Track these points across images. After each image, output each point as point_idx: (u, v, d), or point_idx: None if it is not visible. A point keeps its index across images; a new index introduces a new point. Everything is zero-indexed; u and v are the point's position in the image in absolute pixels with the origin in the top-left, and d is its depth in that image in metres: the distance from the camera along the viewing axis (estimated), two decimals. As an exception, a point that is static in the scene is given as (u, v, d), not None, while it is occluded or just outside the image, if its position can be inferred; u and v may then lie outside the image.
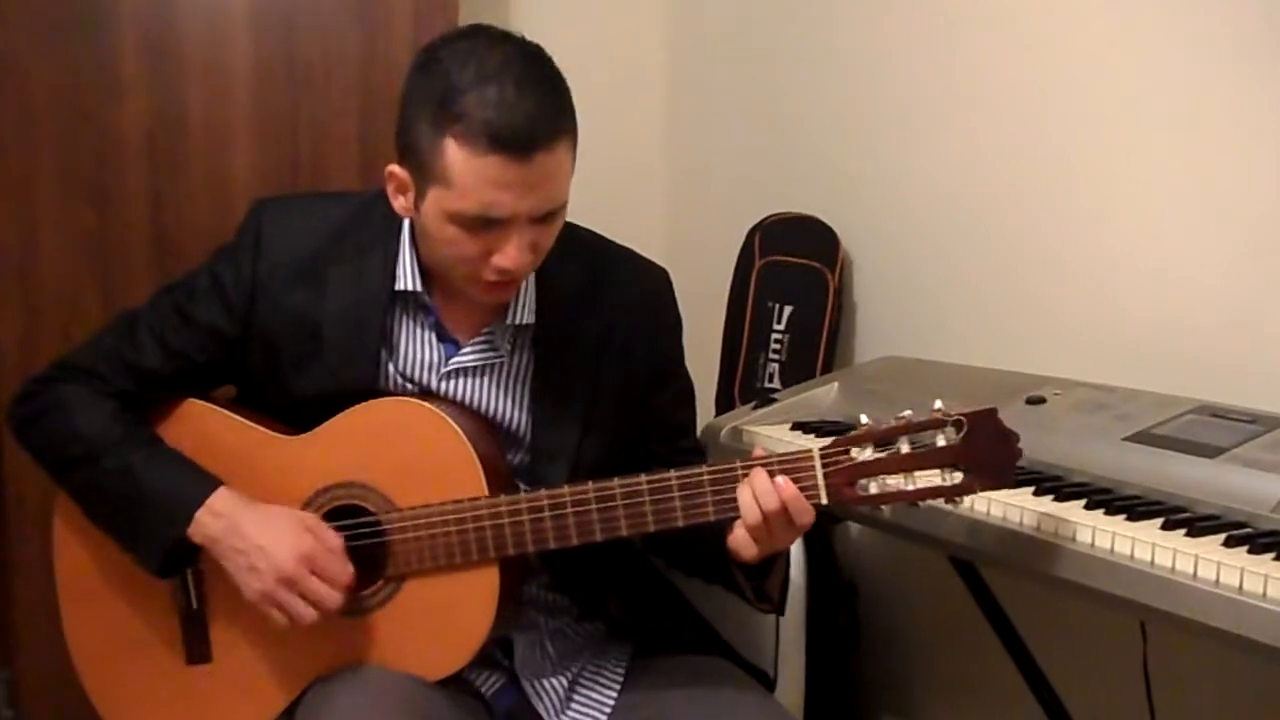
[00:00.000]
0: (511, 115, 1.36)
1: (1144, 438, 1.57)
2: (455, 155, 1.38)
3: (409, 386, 1.58)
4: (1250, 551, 1.26)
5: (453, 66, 1.39)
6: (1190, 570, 1.27)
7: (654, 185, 3.09)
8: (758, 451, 1.44)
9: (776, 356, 2.48)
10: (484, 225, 1.41)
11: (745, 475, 1.41)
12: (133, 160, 2.54)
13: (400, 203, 1.49)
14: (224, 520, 1.50)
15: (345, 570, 1.48)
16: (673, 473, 1.45)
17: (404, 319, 1.58)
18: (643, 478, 1.45)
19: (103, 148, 2.52)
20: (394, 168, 1.47)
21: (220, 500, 1.51)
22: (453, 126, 1.38)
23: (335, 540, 1.49)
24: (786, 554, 1.56)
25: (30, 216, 2.50)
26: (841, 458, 1.39)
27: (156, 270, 2.52)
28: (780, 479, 1.39)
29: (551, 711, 1.58)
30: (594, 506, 1.46)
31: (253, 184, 2.56)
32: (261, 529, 1.48)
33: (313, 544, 1.47)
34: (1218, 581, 1.24)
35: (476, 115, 1.36)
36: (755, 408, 2.02)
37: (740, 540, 1.42)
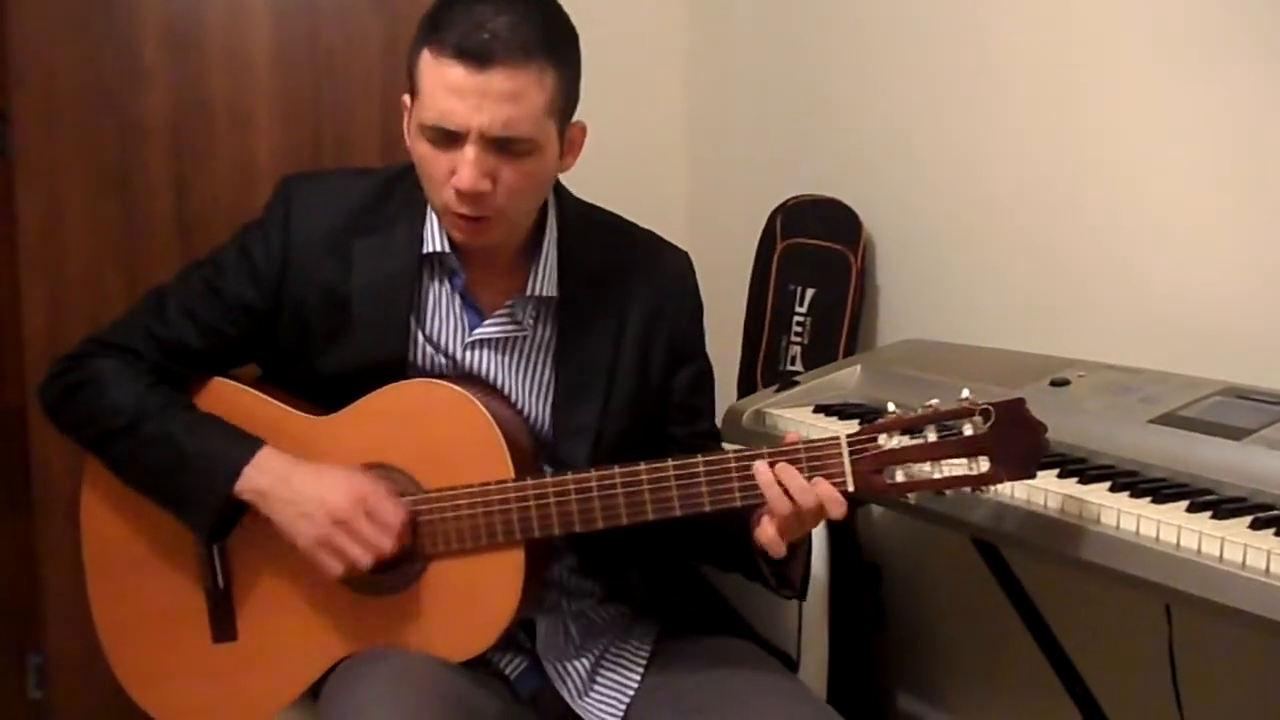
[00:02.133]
0: (478, 28, 1.40)
1: (1170, 420, 1.56)
2: (425, 62, 1.44)
3: (436, 356, 1.58)
4: (1277, 534, 1.26)
5: None
6: (1216, 553, 1.26)
7: (675, 168, 3.08)
8: (791, 436, 1.44)
9: (799, 339, 2.48)
10: (444, 140, 1.44)
11: (772, 462, 1.41)
12: (155, 147, 2.56)
13: (408, 134, 1.52)
14: (273, 474, 1.51)
15: (399, 514, 1.49)
16: (699, 457, 1.44)
17: (432, 284, 1.59)
18: (669, 462, 1.45)
19: (125, 135, 2.53)
20: (404, 96, 1.51)
21: (267, 457, 1.52)
22: (429, 37, 1.43)
23: (386, 488, 1.50)
24: (808, 540, 1.56)
25: (55, 205, 2.52)
26: (869, 445, 1.39)
27: (181, 256, 2.53)
28: (816, 478, 1.39)
29: (575, 694, 1.59)
30: (619, 491, 1.46)
31: (275, 170, 2.56)
32: (312, 480, 1.50)
33: (366, 487, 1.49)
34: (1244, 564, 1.23)
35: (451, 27, 1.41)
36: (778, 390, 2.02)
37: (767, 534, 1.42)
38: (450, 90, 1.41)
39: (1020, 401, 1.37)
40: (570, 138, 1.53)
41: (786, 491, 1.39)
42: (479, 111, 1.41)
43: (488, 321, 1.59)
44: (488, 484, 1.49)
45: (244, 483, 1.51)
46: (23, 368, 2.49)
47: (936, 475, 1.38)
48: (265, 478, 1.51)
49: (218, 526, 1.55)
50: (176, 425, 1.54)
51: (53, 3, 2.47)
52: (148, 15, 2.52)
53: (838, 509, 1.39)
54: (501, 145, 1.43)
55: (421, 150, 1.47)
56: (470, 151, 1.43)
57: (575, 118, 1.53)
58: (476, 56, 1.39)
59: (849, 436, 1.40)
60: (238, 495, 1.52)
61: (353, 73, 2.64)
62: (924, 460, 1.38)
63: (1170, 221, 1.92)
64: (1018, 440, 1.36)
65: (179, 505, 1.56)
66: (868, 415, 1.80)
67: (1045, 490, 1.45)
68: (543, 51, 1.43)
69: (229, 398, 1.60)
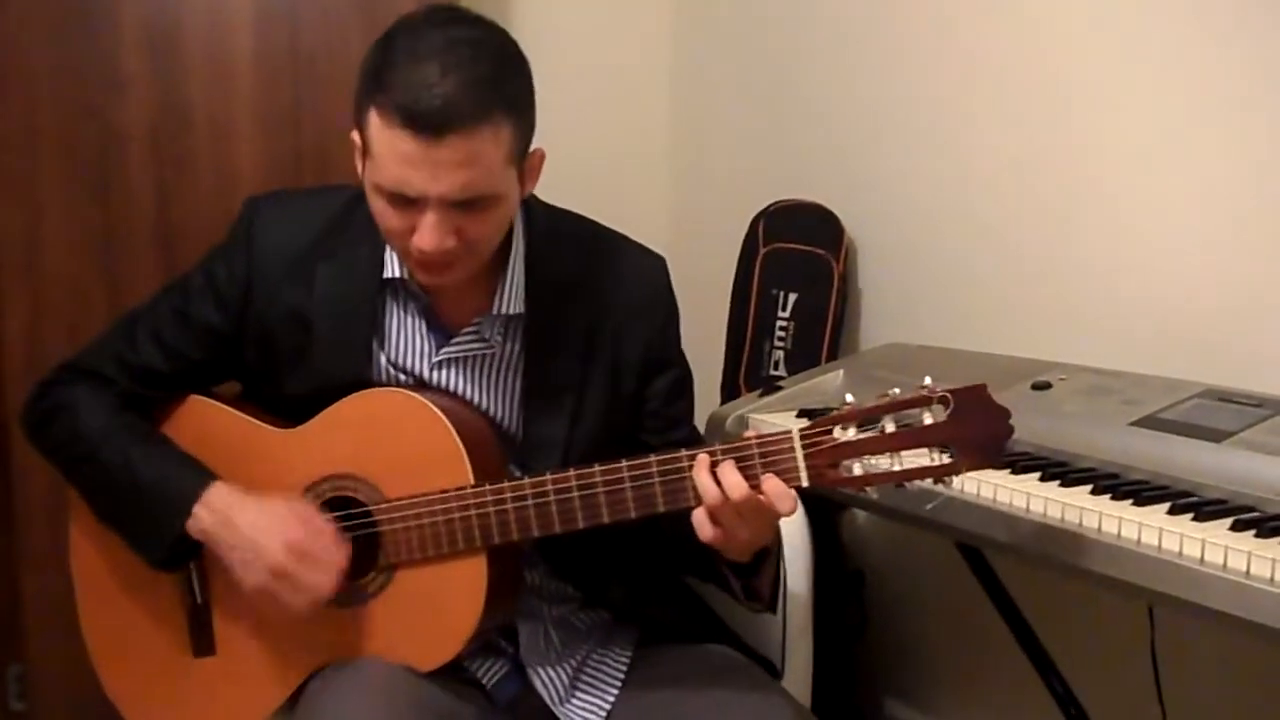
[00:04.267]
0: (427, 95, 1.35)
1: (1150, 422, 1.57)
2: (375, 126, 1.39)
3: (400, 377, 1.58)
4: (1257, 535, 1.26)
5: (397, 40, 1.40)
6: (1197, 555, 1.27)
7: (657, 173, 3.09)
8: (748, 433, 1.41)
9: (782, 344, 2.48)
10: (401, 201, 1.41)
11: (723, 460, 1.38)
12: (136, 155, 2.54)
13: (360, 169, 1.49)
14: (218, 515, 1.51)
15: (338, 556, 1.48)
16: (652, 457, 1.43)
17: (394, 307, 1.58)
18: (624, 463, 1.44)
19: (106, 143, 2.52)
20: (354, 134, 1.48)
21: (215, 495, 1.52)
22: (377, 97, 1.39)
23: (326, 526, 1.50)
24: (779, 552, 1.54)
25: (35, 213, 2.50)
26: (823, 439, 1.35)
27: (162, 265, 2.52)
28: (766, 474, 1.35)
29: (555, 700, 1.58)
30: (575, 493, 1.45)
31: (257, 178, 2.55)
32: (253, 522, 1.49)
33: (302, 533, 1.48)
34: (1225, 566, 1.24)
35: (397, 89, 1.36)
36: (761, 395, 2.02)
37: (696, 517, 1.38)
38: (404, 161, 1.37)
39: (982, 387, 1.32)
40: (529, 167, 1.49)
41: (718, 483, 1.36)
42: (436, 181, 1.38)
43: (454, 341, 1.58)
44: (447, 491, 1.49)
45: (193, 523, 1.52)
46: (3, 379, 2.47)
47: (896, 468, 1.33)
48: (211, 518, 1.51)
49: (172, 559, 1.56)
50: (133, 453, 1.55)
51: (31, 10, 2.46)
52: (128, 22, 2.51)
53: (787, 504, 1.35)
54: (462, 205, 1.41)
55: (378, 205, 1.44)
56: (430, 217, 1.40)
57: (547, 142, 1.49)
58: (427, 127, 1.35)
59: (802, 430, 1.36)
60: (188, 534, 1.52)
61: (334, 80, 2.63)
62: (882, 452, 1.33)
63: (1151, 225, 1.93)
64: (980, 427, 1.31)
65: (134, 538, 1.57)
66: (832, 412, 1.79)
67: (1027, 494, 1.46)
68: (495, 104, 1.38)
69: (200, 414, 1.62)
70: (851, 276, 2.51)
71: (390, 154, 1.38)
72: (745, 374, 2.50)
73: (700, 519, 1.38)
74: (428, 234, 1.41)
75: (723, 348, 2.55)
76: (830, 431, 1.35)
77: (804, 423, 1.39)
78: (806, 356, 2.44)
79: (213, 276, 1.59)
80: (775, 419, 1.89)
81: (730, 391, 2.50)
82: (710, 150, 2.98)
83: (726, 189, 2.89)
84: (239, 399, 1.65)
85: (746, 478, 1.36)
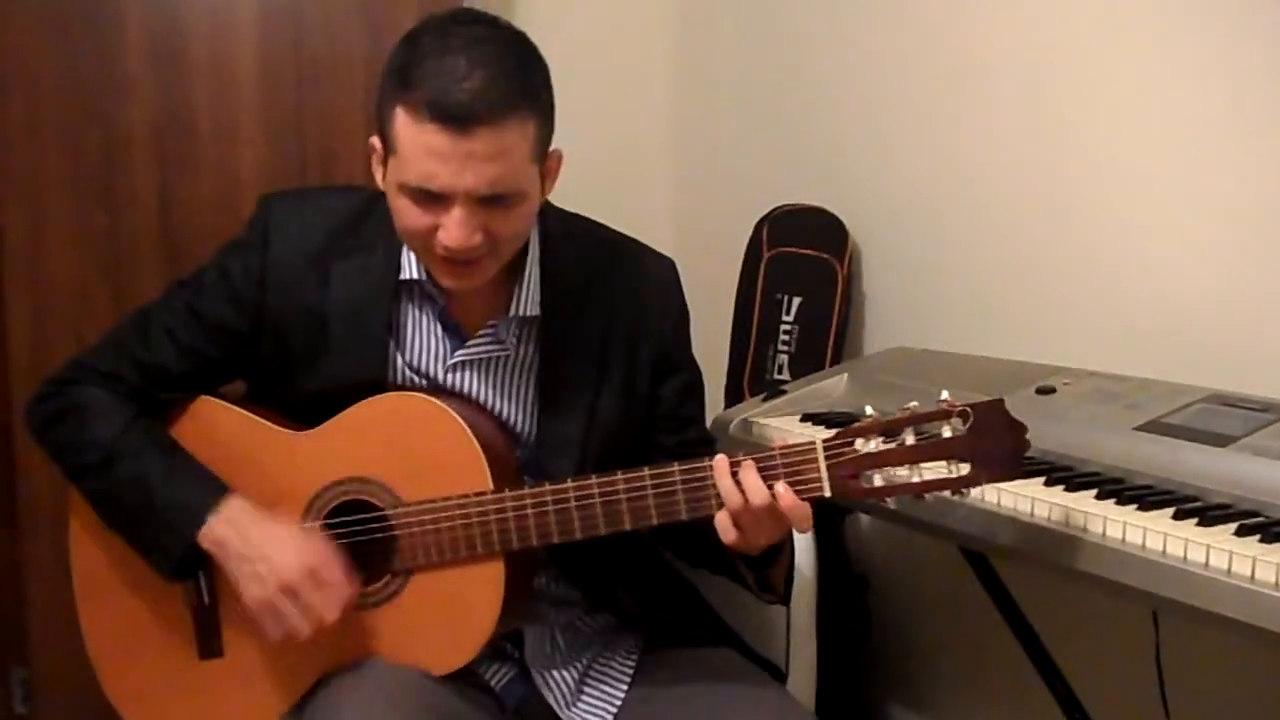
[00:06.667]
0: (455, 88, 1.36)
1: (1155, 427, 1.56)
2: (401, 123, 1.40)
3: (416, 379, 1.58)
4: (1262, 540, 1.26)
5: (422, 40, 1.41)
6: (1202, 560, 1.26)
7: (661, 177, 3.09)
8: (775, 443, 1.43)
9: (786, 348, 2.48)
10: (427, 198, 1.41)
11: (745, 467, 1.39)
12: (140, 159, 2.55)
13: (379, 175, 1.50)
14: (234, 526, 1.51)
15: (348, 587, 1.49)
16: (675, 465, 1.44)
17: (411, 309, 1.58)
18: (646, 471, 1.45)
19: (110, 147, 2.52)
20: (373, 139, 1.48)
21: (230, 507, 1.52)
22: (402, 94, 1.39)
23: (339, 557, 1.50)
24: (791, 545, 1.56)
25: (39, 217, 2.51)
26: (845, 450, 1.37)
27: (166, 269, 2.52)
28: (779, 486, 1.37)
29: (562, 704, 1.58)
30: (597, 500, 1.46)
31: (261, 182, 2.56)
32: (270, 538, 1.49)
33: (317, 558, 1.48)
34: (1229, 571, 1.23)
35: (424, 84, 1.37)
36: (765, 399, 2.02)
37: (720, 520, 1.41)
38: (432, 154, 1.38)
39: (1000, 402, 1.36)
40: (548, 168, 1.50)
41: (740, 486, 1.38)
42: (464, 174, 1.38)
43: (470, 343, 1.58)
44: (466, 496, 1.49)
45: (206, 531, 1.51)
46: (7, 381, 2.47)
47: (915, 479, 1.36)
48: (226, 529, 1.51)
49: (181, 569, 1.55)
50: (150, 468, 1.54)
51: (36, 13, 2.46)
52: (131, 26, 2.51)
53: (804, 524, 1.39)
54: (489, 201, 1.41)
55: (401, 205, 1.44)
56: (458, 213, 1.40)
57: (553, 145, 1.50)
58: (457, 119, 1.36)
59: (825, 441, 1.39)
60: (199, 544, 1.52)
61: (337, 83, 2.64)
62: (902, 464, 1.36)
63: (1157, 230, 1.93)
64: (998, 441, 1.34)
65: (145, 549, 1.56)
66: (854, 423, 1.80)
67: (1032, 498, 1.45)
68: (522, 100, 1.39)
69: (211, 416, 1.61)
70: (855, 280, 2.51)
71: (418, 149, 1.38)
72: (749, 378, 2.50)
73: (723, 523, 1.41)
74: (454, 229, 1.41)
75: (727, 351, 2.55)
76: (853, 443, 1.37)
77: (828, 433, 1.41)
78: (810, 360, 2.44)
79: (227, 273, 1.58)
80: (780, 423, 1.89)
81: (734, 396, 2.50)
82: (714, 155, 2.98)
83: (730, 193, 2.89)
84: (245, 399, 1.64)
85: (771, 486, 1.38)
